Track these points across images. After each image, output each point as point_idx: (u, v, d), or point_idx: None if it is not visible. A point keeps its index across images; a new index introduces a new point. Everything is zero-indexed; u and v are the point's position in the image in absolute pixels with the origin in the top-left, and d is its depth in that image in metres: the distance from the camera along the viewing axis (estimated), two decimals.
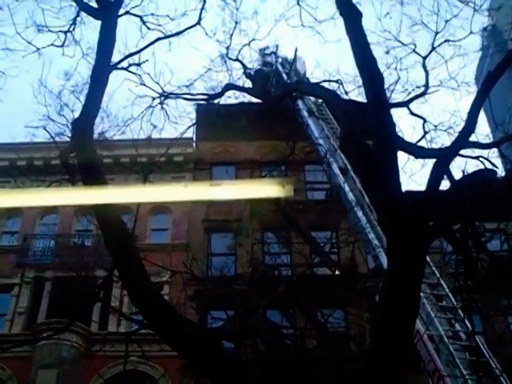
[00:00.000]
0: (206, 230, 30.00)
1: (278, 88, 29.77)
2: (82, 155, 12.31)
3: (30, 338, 26.28)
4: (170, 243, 29.19)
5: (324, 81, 22.95)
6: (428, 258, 18.00)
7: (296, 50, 31.05)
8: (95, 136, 15.56)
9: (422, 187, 10.77)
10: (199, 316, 23.94)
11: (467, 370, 16.49)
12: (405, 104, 19.66)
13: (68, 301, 20.81)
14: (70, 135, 14.47)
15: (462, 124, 11.02)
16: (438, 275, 18.40)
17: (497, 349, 18.87)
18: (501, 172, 14.90)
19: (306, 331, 18.64)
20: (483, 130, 68.76)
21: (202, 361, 10.74)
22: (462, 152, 12.48)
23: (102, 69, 13.27)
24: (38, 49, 18.24)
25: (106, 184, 11.88)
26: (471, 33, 20.47)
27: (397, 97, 21.02)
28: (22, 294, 28.60)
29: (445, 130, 21.12)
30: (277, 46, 32.51)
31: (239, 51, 24.59)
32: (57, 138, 19.54)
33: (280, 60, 32.71)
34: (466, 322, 17.48)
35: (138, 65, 18.37)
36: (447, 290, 18.83)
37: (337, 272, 24.82)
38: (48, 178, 18.58)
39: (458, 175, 12.71)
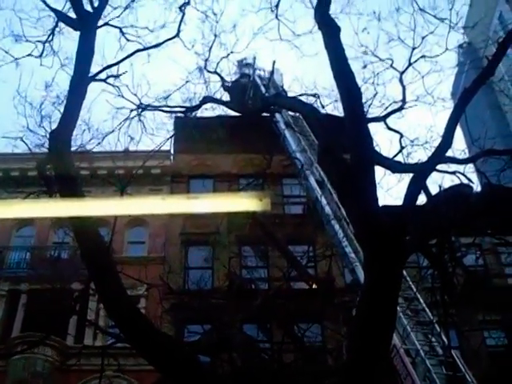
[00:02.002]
0: (182, 243, 29.85)
1: (256, 100, 29.84)
2: (59, 167, 12.24)
3: (3, 352, 25.93)
4: (146, 256, 29.03)
5: (301, 94, 23.09)
6: (404, 273, 18.09)
7: (274, 63, 31.21)
8: (74, 148, 15.47)
9: (399, 202, 10.82)
10: (176, 330, 23.81)
11: None
12: (382, 119, 19.76)
13: (43, 314, 20.62)
14: (48, 147, 14.34)
15: (439, 139, 11.13)
16: (415, 289, 18.50)
17: (472, 363, 18.99)
18: (477, 187, 15.00)
19: (282, 345, 18.59)
20: (459, 146, 69.42)
21: (178, 375, 10.67)
22: (438, 167, 12.56)
23: (81, 80, 13.22)
24: (16, 59, 18.16)
25: (83, 196, 11.82)
26: (447, 49, 20.70)
27: (374, 111, 21.19)
28: None
29: (421, 145, 21.28)
30: (254, 58, 32.63)
31: (217, 64, 24.69)
32: (37, 150, 19.43)
33: (258, 72, 32.83)
34: (443, 336, 17.59)
35: (117, 76, 18.31)
36: (423, 305, 18.93)
37: (314, 286, 24.83)
38: (25, 190, 18.40)
39: (434, 190, 12.79)
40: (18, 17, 18.54)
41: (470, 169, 16.55)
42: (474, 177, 18.38)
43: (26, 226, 31.12)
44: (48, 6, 16.10)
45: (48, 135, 15.05)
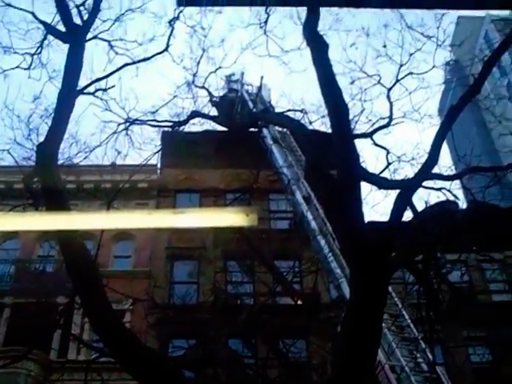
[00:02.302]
0: (168, 258, 29.76)
1: (243, 115, 29.90)
2: (45, 180, 12.21)
3: None
4: (132, 270, 28.92)
5: (289, 110, 23.20)
6: (390, 289, 18.12)
7: (262, 78, 31.32)
8: (61, 161, 15.45)
9: (385, 218, 10.88)
10: (160, 344, 23.68)
11: None
12: (369, 135, 19.87)
13: (27, 328, 20.45)
14: (35, 160, 14.31)
15: (425, 156, 11.21)
16: (400, 306, 18.51)
17: (457, 380, 19.01)
18: (462, 204, 15.10)
19: (267, 361, 18.54)
20: (446, 162, 69.69)
21: None
22: (424, 183, 12.67)
23: (69, 93, 13.21)
24: (4, 71, 18.14)
25: (70, 209, 11.78)
26: (434, 66, 20.91)
27: (361, 127, 21.32)
28: None
29: (408, 162, 21.40)
30: (242, 74, 32.73)
31: (206, 79, 24.76)
32: (23, 163, 19.37)
33: (245, 87, 32.93)
34: (428, 352, 17.60)
35: (105, 90, 18.35)
36: (409, 321, 18.95)
37: (299, 302, 24.81)
38: (11, 203, 18.31)
39: (420, 206, 12.86)
40: (7, 29, 18.56)
41: (456, 185, 16.71)
42: (459, 193, 18.53)
43: (10, 239, 30.91)
44: (37, 18, 16.14)
45: (35, 148, 15.03)
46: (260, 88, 31.39)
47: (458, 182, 15.91)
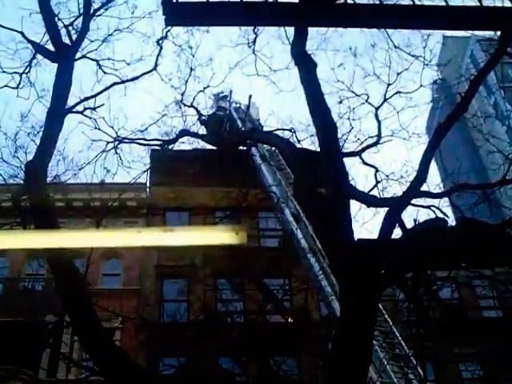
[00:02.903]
0: (157, 276, 29.66)
1: (232, 133, 29.95)
2: (34, 198, 12.20)
3: None
4: (121, 288, 28.80)
5: (278, 129, 23.25)
6: (380, 306, 18.12)
7: (250, 97, 31.39)
8: (49, 179, 15.42)
9: (374, 235, 10.90)
10: (151, 362, 23.56)
11: None
12: (357, 153, 19.93)
13: (16, 347, 20.33)
14: (23, 177, 14.31)
15: (414, 174, 11.27)
16: (391, 323, 18.50)
17: None
18: (451, 221, 15.16)
19: (259, 379, 18.50)
20: (434, 180, 69.89)
21: None
22: (413, 201, 12.72)
23: (58, 112, 13.25)
24: None
25: (59, 228, 11.76)
26: (421, 86, 21.00)
27: (349, 146, 21.37)
28: None
29: (396, 180, 21.43)
30: (230, 92, 32.81)
31: (194, 98, 24.78)
32: (10, 181, 19.32)
33: (234, 105, 33.02)
34: (419, 369, 17.59)
35: (94, 109, 18.40)
36: (400, 338, 18.93)
37: (289, 319, 24.78)
38: None
39: (410, 224, 12.90)
40: None
41: (444, 203, 16.77)
42: (448, 211, 18.59)
43: None
44: (26, 38, 16.21)
45: (23, 166, 15.03)
46: (248, 106, 31.47)
47: (446, 199, 15.97)
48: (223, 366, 23.14)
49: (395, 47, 20.03)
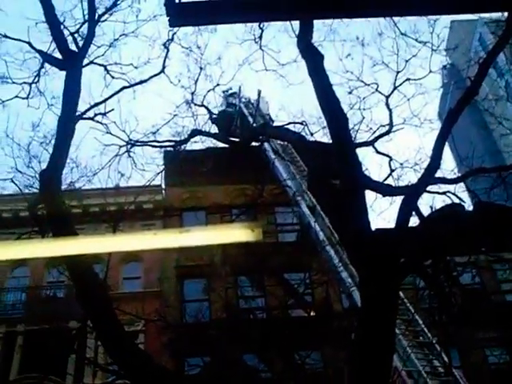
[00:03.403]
0: (178, 277, 29.75)
1: (243, 129, 29.92)
2: (50, 206, 12.26)
3: None
4: (142, 291, 28.90)
5: (289, 123, 23.12)
6: (402, 295, 18.08)
7: (259, 92, 31.38)
8: (64, 186, 15.49)
9: (392, 225, 10.85)
10: (176, 363, 23.63)
11: None
12: (370, 143, 19.83)
13: (41, 354, 20.46)
14: (38, 187, 14.38)
15: (428, 160, 11.20)
16: (413, 311, 18.46)
17: (475, 382, 18.91)
18: (468, 206, 15.05)
19: (284, 374, 18.51)
20: (449, 166, 69.57)
21: None
22: (429, 188, 12.66)
23: (68, 119, 13.30)
24: (3, 101, 18.23)
25: (76, 234, 11.81)
26: (431, 71, 20.84)
27: (362, 136, 21.19)
28: None
29: (411, 167, 21.31)
30: (240, 88, 32.78)
31: (204, 97, 24.70)
32: (26, 190, 19.45)
33: (243, 101, 33.00)
34: (444, 356, 17.53)
35: (104, 114, 18.45)
36: (423, 326, 18.89)
37: (312, 313, 24.77)
38: (17, 231, 18.37)
39: (426, 211, 12.83)
40: (4, 60, 18.63)
41: (460, 188, 16.64)
42: (465, 196, 18.49)
43: (20, 267, 30.95)
44: (33, 47, 16.27)
45: (37, 175, 15.11)
46: (258, 101, 31.46)
47: (462, 184, 15.86)
48: (248, 363, 23.18)
49: (402, 34, 19.92)
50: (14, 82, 18.08)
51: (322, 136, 22.56)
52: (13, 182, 18.98)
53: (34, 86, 17.72)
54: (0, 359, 27.73)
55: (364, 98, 22.23)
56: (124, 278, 30.67)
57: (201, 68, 23.46)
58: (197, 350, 21.48)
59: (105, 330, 11.08)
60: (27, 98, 17.80)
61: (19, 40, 16.92)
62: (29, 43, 16.47)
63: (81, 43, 15.43)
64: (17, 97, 17.88)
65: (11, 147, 21.35)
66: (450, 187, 15.23)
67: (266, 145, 28.99)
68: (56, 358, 19.85)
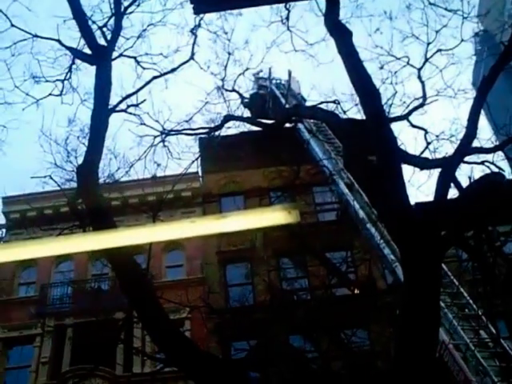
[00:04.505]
0: (220, 262, 29.90)
1: (276, 110, 29.85)
2: (89, 201, 12.40)
3: None
4: (185, 279, 29.12)
5: (321, 102, 23.00)
6: (445, 268, 17.93)
7: (290, 72, 31.27)
8: (102, 179, 15.66)
9: (431, 198, 10.76)
10: (222, 348, 23.81)
11: (498, 376, 16.35)
12: (404, 117, 19.66)
13: (91, 346, 20.77)
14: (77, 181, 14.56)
15: (464, 131, 11.05)
16: (457, 284, 18.29)
17: None
18: (508, 175, 14.86)
19: (330, 353, 18.50)
20: (486, 135, 68.60)
21: None
22: (466, 159, 12.49)
23: (101, 113, 13.41)
24: (37, 100, 18.45)
25: (116, 227, 11.93)
26: (462, 40, 20.56)
27: (395, 111, 21.01)
28: (44, 344, 28.40)
29: (447, 139, 21.07)
30: (270, 69, 32.69)
31: (235, 81, 24.69)
32: (67, 185, 19.73)
33: (274, 82, 32.92)
34: (491, 328, 17.37)
35: (137, 105, 18.58)
36: (468, 298, 18.73)
37: (356, 291, 24.72)
38: (59, 226, 18.64)
39: (465, 182, 12.69)
40: (36, 59, 18.83)
41: (499, 157, 16.40)
42: (503, 164, 18.22)
43: (64, 262, 31.41)
44: (63, 45, 16.45)
45: (75, 170, 15.29)
46: (289, 82, 31.35)
47: (500, 153, 15.61)
48: (294, 345, 23.24)
49: (431, 4, 19.64)
50: (47, 81, 18.32)
51: (356, 113, 22.40)
52: (51, 178, 19.23)
53: (66, 82, 17.94)
54: (52, 352, 28.29)
55: (396, 72, 22.02)
56: (167, 267, 30.94)
57: (229, 53, 23.46)
58: (242, 334, 21.55)
59: (150, 320, 11.19)
60: (60, 94, 18.01)
61: (49, 38, 17.13)
62: (58, 41, 16.65)
63: (109, 37, 15.53)
64: (50, 94, 18.10)
65: (49, 143, 21.67)
66: (488, 157, 15.02)
67: (299, 125, 28.91)
68: (105, 349, 20.11)
